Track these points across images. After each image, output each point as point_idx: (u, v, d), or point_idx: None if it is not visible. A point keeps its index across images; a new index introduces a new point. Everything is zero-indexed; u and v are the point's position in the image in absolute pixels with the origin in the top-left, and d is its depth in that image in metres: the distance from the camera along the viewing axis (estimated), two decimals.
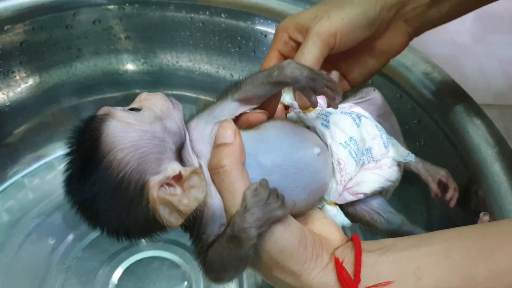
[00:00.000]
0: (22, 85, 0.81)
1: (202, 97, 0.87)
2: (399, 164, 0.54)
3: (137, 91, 0.86)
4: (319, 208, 0.51)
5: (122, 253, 0.75)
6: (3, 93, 0.79)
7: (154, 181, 0.40)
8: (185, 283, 0.73)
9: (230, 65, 0.86)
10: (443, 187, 0.60)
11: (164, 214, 0.40)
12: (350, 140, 0.51)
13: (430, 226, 0.68)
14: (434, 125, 0.68)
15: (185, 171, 0.41)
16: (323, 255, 0.43)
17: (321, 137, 0.52)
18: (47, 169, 0.84)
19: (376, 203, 0.53)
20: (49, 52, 0.81)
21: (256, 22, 0.83)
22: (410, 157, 0.54)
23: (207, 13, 0.84)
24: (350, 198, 0.51)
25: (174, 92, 0.87)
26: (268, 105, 0.49)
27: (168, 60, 0.88)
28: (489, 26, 1.13)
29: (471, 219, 0.61)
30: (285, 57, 0.56)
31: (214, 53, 0.86)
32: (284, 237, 0.41)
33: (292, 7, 0.81)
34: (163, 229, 0.42)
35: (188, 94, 0.88)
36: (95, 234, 0.77)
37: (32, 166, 0.84)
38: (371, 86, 0.59)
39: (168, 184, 0.41)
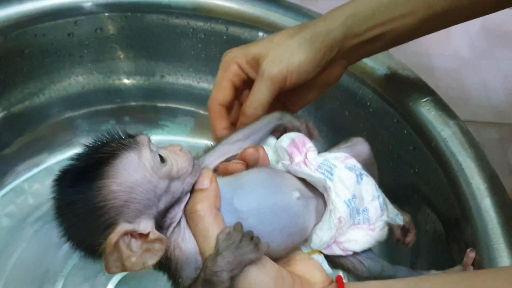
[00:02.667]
0: (24, 93, 0.82)
1: (202, 112, 0.88)
2: (388, 224, 0.55)
3: (133, 103, 0.88)
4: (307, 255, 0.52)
5: None
6: (4, 101, 0.81)
7: (122, 227, 0.41)
8: None
9: None
10: (405, 231, 0.62)
11: (109, 258, 0.41)
12: (353, 198, 0.52)
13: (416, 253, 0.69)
14: (429, 153, 0.68)
15: (153, 235, 0.43)
16: None
17: (320, 186, 0.53)
18: (46, 174, 0.85)
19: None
20: (50, 60, 0.82)
21: (259, 35, 0.83)
22: (399, 220, 0.55)
23: (209, 24, 0.84)
24: (339, 252, 0.52)
25: (174, 106, 0.88)
26: (246, 157, 0.51)
27: (169, 70, 0.88)
28: (494, 40, 1.12)
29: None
30: (236, 88, 0.59)
31: (215, 64, 0.86)
32: (259, 279, 0.42)
33: (294, 21, 0.80)
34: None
35: (187, 108, 0.88)
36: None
37: (32, 171, 0.85)
38: (362, 137, 0.60)
39: (133, 236, 0.42)
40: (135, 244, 0.42)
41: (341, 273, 0.55)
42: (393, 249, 0.69)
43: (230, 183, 0.49)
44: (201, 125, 0.89)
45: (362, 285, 0.45)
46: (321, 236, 0.51)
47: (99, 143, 0.44)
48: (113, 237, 0.41)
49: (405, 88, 0.72)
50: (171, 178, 0.45)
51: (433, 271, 0.56)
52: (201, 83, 0.88)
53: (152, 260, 0.42)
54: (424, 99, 0.70)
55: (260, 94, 0.55)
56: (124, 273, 0.76)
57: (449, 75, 1.05)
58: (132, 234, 0.42)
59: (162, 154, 0.45)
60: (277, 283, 0.43)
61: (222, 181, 0.47)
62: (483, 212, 0.60)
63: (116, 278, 0.76)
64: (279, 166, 0.55)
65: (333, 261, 0.53)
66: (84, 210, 0.41)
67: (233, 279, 0.41)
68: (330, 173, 0.52)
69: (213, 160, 0.51)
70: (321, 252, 0.52)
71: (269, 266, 0.43)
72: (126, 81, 0.88)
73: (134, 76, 0.88)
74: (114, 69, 0.86)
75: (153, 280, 0.76)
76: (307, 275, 0.46)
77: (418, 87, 0.72)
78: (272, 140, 0.58)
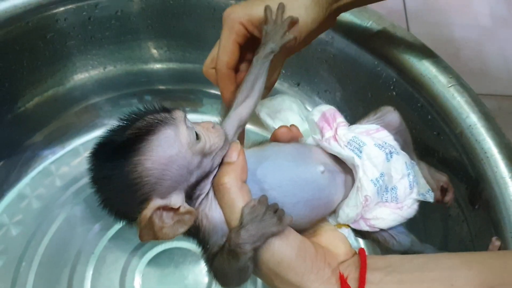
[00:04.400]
0: (48, 81, 0.82)
1: None
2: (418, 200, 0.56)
3: (161, 87, 0.87)
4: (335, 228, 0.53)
5: (147, 244, 0.80)
6: (31, 93, 0.81)
7: (155, 203, 0.43)
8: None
9: None
10: (444, 191, 0.63)
11: (143, 228, 0.43)
12: (381, 177, 0.52)
13: (445, 237, 0.71)
14: (453, 139, 0.69)
15: (183, 208, 0.45)
16: (324, 269, 0.45)
17: (349, 163, 0.54)
18: (72, 156, 0.86)
19: None
20: (72, 44, 0.82)
21: None
22: (430, 197, 0.56)
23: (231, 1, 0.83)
24: (366, 228, 0.53)
25: (200, 89, 0.88)
26: (279, 137, 0.53)
27: (192, 51, 0.87)
28: None
29: (482, 236, 0.64)
30: (241, 48, 0.56)
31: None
32: (281, 250, 0.44)
33: None
34: None
35: (213, 91, 0.89)
36: (120, 224, 0.82)
37: (58, 153, 0.87)
38: (391, 106, 0.61)
39: (164, 209, 0.44)
40: (167, 216, 0.44)
41: (362, 244, 0.55)
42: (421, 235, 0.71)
43: (256, 154, 0.50)
44: None
45: (385, 258, 0.47)
46: (347, 212, 0.53)
47: (136, 116, 0.44)
48: (147, 212, 0.43)
49: (430, 72, 0.72)
50: (204, 154, 0.46)
51: None
52: None
53: (182, 229, 0.44)
54: (449, 85, 0.70)
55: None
56: (155, 253, 0.79)
57: (469, 46, 1.04)
58: (164, 208, 0.44)
59: (197, 131, 0.46)
60: (300, 254, 0.44)
61: (248, 152, 0.49)
62: (507, 201, 0.61)
63: (147, 257, 0.79)
64: (309, 140, 0.56)
65: (363, 234, 0.55)
66: (119, 185, 0.43)
67: (256, 250, 0.44)
68: (359, 150, 0.53)
69: (232, 127, 0.52)
70: (349, 226, 0.54)
71: (292, 237, 0.45)
72: (147, 64, 0.88)
73: (156, 59, 0.87)
74: (135, 52, 0.86)
75: (183, 256, 0.79)
76: (330, 246, 0.48)
77: (443, 72, 0.71)
78: (294, 106, 0.59)
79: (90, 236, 0.80)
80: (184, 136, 0.44)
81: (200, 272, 0.78)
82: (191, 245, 0.79)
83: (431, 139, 0.73)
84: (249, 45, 0.57)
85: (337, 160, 0.55)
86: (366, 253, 0.47)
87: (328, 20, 0.60)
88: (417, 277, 0.43)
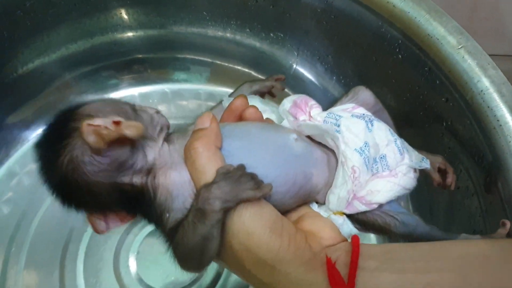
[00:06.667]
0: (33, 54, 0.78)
1: (218, 61, 0.83)
2: (415, 170, 0.52)
3: (140, 56, 0.83)
4: (325, 217, 0.49)
5: (141, 222, 0.75)
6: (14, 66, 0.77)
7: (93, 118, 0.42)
8: None
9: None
10: (443, 173, 0.60)
11: (87, 135, 0.40)
12: (365, 146, 0.49)
13: (452, 212, 0.66)
14: (464, 105, 0.63)
15: (127, 122, 0.41)
16: (305, 250, 0.40)
17: (328, 143, 0.51)
18: None
19: (388, 206, 0.50)
20: (55, 12, 0.77)
21: None
22: (426, 164, 0.52)
23: None
24: (362, 208, 0.49)
25: (186, 56, 0.83)
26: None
27: (179, 17, 0.82)
28: None
29: (494, 212, 0.60)
30: None
31: (231, 9, 0.80)
32: (253, 221, 0.40)
33: None
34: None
35: (201, 58, 0.83)
36: None
37: None
38: (363, 85, 0.57)
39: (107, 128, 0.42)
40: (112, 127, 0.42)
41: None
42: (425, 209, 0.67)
43: (224, 126, 0.48)
44: (218, 73, 0.84)
45: (382, 245, 0.43)
46: (337, 192, 0.49)
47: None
48: (83, 124, 0.40)
49: (438, 32, 0.65)
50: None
51: (463, 235, 0.54)
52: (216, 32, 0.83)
53: (133, 132, 0.41)
54: (459, 46, 0.64)
55: None
56: (149, 230, 0.76)
57: (481, 4, 0.97)
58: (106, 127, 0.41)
59: None
60: (275, 228, 0.40)
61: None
62: None
63: (142, 234, 0.76)
64: (284, 123, 0.54)
65: (362, 221, 0.50)
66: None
67: (226, 215, 0.40)
68: (336, 124, 0.50)
69: None
70: (343, 213, 0.50)
71: (268, 210, 0.41)
72: (134, 32, 0.83)
73: (142, 27, 0.82)
74: (123, 18, 0.81)
75: None
76: (314, 230, 0.44)
77: (452, 32, 0.65)
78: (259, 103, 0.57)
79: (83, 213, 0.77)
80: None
81: None
82: None
83: (440, 105, 0.67)
84: None
85: (316, 142, 0.52)
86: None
87: None
88: (422, 266, 0.38)
